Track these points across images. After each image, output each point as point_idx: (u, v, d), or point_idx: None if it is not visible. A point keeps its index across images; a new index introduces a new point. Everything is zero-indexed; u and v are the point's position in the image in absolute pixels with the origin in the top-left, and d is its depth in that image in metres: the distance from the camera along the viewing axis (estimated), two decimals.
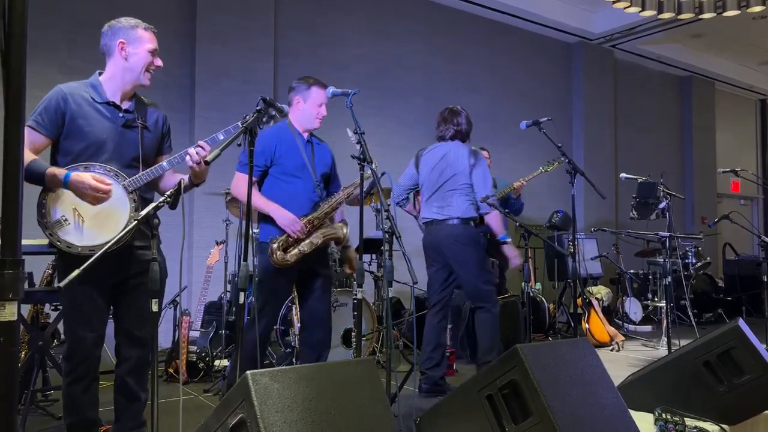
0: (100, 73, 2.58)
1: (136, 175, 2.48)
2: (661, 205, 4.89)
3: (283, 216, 3.11)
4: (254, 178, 3.11)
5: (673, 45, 9.51)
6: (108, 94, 2.53)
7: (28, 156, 2.34)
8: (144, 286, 2.48)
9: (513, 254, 4.15)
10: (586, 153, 8.90)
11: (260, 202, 3.17)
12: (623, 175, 5.31)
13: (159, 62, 2.61)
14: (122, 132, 2.53)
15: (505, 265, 5.93)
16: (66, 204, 2.38)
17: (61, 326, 3.81)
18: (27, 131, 2.36)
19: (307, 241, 3.18)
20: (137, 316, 2.56)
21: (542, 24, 8.38)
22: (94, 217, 2.40)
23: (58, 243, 2.34)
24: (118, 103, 2.55)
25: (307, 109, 3.30)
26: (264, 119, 2.81)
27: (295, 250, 3.14)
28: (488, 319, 4.00)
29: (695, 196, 10.53)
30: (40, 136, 2.40)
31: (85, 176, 2.34)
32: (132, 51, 2.53)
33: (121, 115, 2.54)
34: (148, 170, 2.51)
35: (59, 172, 2.34)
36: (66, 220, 2.37)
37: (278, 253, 3.11)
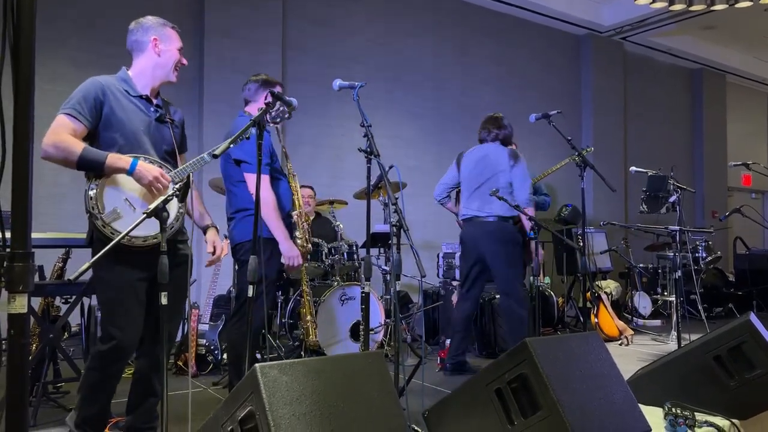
0: (126, 69, 2.61)
1: (181, 167, 2.53)
2: (672, 199, 4.84)
3: (290, 247, 3.17)
4: (266, 175, 3.15)
5: (684, 37, 9.42)
6: (138, 88, 2.57)
7: (77, 143, 2.35)
8: (176, 280, 2.51)
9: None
10: (595, 146, 8.79)
11: (274, 218, 3.14)
12: (633, 168, 5.27)
13: (185, 60, 2.67)
14: (156, 126, 2.58)
15: (528, 260, 5.95)
16: (117, 196, 2.41)
17: (71, 318, 3.84)
18: (66, 119, 2.37)
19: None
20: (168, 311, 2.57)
21: (551, 16, 8.32)
22: (145, 206, 2.41)
23: (113, 234, 2.34)
24: (149, 96, 2.59)
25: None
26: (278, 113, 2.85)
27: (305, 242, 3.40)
28: (512, 315, 4.16)
29: (706, 190, 10.44)
30: (80, 124, 2.40)
31: (151, 165, 2.41)
32: (164, 48, 2.59)
33: (152, 109, 2.59)
34: (191, 162, 2.55)
35: (125, 157, 2.38)
36: (119, 211, 2.39)
37: (308, 246, 3.41)
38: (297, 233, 3.34)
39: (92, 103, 2.43)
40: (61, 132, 2.34)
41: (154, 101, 2.62)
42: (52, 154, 2.33)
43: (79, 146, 2.35)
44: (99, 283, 2.49)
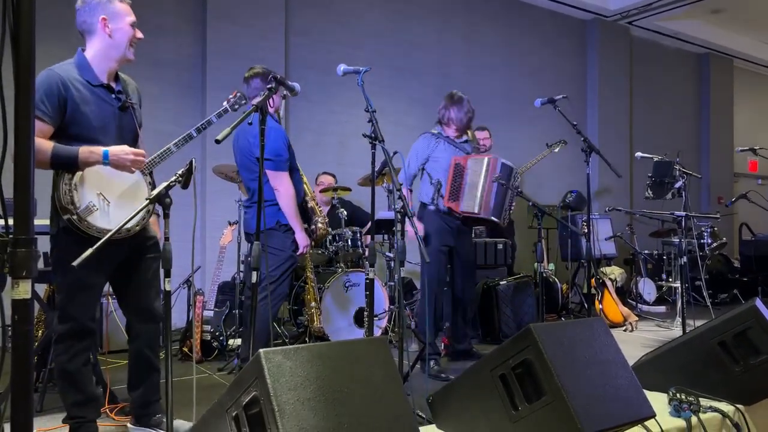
0: (82, 50, 2.50)
1: (150, 158, 2.51)
2: (677, 185, 4.82)
3: (303, 237, 3.51)
4: (285, 172, 3.42)
5: (690, 21, 9.31)
6: (97, 73, 2.47)
7: (46, 143, 2.30)
8: (147, 262, 2.57)
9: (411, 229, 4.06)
10: (600, 131, 8.78)
11: (294, 211, 3.43)
12: (639, 154, 5.24)
13: (140, 34, 2.54)
14: (120, 115, 2.52)
15: (515, 245, 5.92)
16: (91, 190, 2.38)
17: None
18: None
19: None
20: (146, 291, 2.61)
21: (557, 0, 8.24)
22: (118, 199, 2.42)
23: (89, 229, 2.33)
24: (109, 83, 2.51)
25: (277, 103, 3.56)
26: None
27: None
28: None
29: (712, 176, 10.38)
30: (45, 125, 2.32)
31: (121, 147, 2.40)
32: (114, 27, 2.45)
33: (114, 96, 2.51)
34: (158, 153, 2.53)
35: (95, 149, 2.35)
36: (94, 206, 2.37)
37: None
38: (319, 219, 3.72)
39: (56, 102, 2.33)
40: None
41: (115, 87, 2.52)
42: None
43: (48, 145, 2.29)
44: (61, 266, 2.40)
